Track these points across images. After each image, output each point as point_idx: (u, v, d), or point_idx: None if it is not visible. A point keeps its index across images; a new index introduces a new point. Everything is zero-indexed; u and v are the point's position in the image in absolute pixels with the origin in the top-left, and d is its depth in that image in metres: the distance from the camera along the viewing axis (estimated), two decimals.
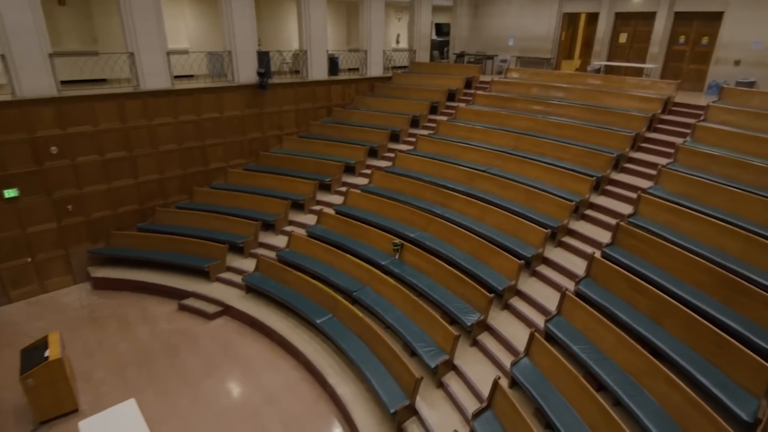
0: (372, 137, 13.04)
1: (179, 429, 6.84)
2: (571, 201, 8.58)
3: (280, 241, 10.73)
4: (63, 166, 9.86)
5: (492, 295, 7.31)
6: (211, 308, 9.49)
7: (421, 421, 6.43)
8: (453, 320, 7.57)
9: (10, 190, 9.30)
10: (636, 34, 14.32)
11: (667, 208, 7.69)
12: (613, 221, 8.11)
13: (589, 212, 8.88)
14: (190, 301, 9.71)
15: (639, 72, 13.85)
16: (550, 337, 6.68)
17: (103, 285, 10.43)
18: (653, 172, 8.91)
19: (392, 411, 6.28)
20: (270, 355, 8.40)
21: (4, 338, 8.77)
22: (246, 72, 12.21)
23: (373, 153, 12.82)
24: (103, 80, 11.26)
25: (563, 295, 6.90)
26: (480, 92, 13.56)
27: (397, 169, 11.56)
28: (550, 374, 6.07)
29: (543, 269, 8.09)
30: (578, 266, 7.76)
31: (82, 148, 10.03)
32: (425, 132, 12.93)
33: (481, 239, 8.52)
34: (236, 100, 12.23)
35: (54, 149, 9.63)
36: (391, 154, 12.36)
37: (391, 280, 8.39)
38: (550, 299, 7.37)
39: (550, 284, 7.81)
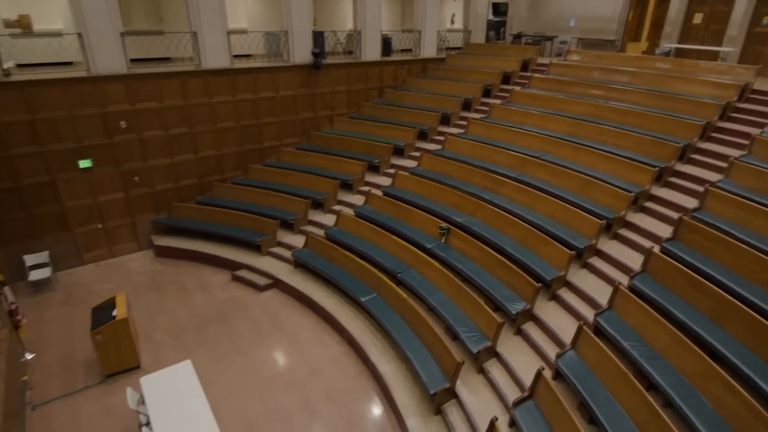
0: (422, 119, 12.93)
1: (229, 391, 7.27)
2: (630, 192, 8.18)
3: (329, 219, 10.97)
4: (130, 140, 10.50)
5: (539, 284, 7.18)
6: (262, 280, 9.91)
7: (461, 405, 6.49)
8: (497, 307, 7.51)
9: (84, 161, 10.04)
10: (713, 15, 13.20)
11: (737, 203, 7.18)
12: (675, 215, 7.68)
13: (649, 204, 8.44)
14: (242, 273, 10.18)
15: (714, 56, 12.82)
16: (598, 331, 6.49)
17: (164, 253, 11.13)
18: (723, 165, 8.31)
19: (432, 392, 6.38)
20: (315, 329, 8.70)
21: (77, 297, 9.60)
22: (301, 52, 12.38)
23: (422, 135, 12.72)
24: (168, 59, 11.78)
25: (616, 289, 6.66)
26: (537, 75, 13.05)
27: (447, 153, 11.44)
28: (597, 369, 5.92)
29: (595, 261, 7.82)
30: (634, 260, 7.44)
31: (148, 124, 10.62)
32: (477, 116, 12.66)
33: (530, 227, 8.33)
34: (291, 80, 12.46)
35: (123, 124, 10.26)
36: (441, 138, 12.23)
37: (436, 264, 8.41)
38: (601, 293, 7.13)
39: (602, 277, 7.55)
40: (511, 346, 7.04)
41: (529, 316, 7.32)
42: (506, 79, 13.73)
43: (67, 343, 8.24)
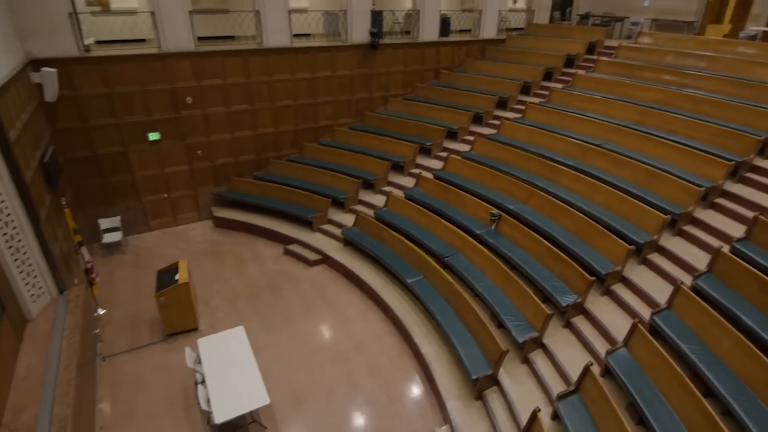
0: (478, 103, 12.64)
1: (277, 358, 7.64)
2: (700, 186, 7.65)
3: (379, 200, 11.07)
4: (195, 115, 11.01)
5: (593, 278, 6.93)
6: (312, 256, 10.23)
7: (502, 393, 6.47)
8: (546, 298, 7.35)
9: (153, 134, 10.66)
10: None
11: None
12: (750, 213, 7.11)
13: (721, 201, 7.86)
14: (293, 247, 10.55)
15: None
16: (654, 330, 6.21)
17: (222, 224, 11.72)
18: None
19: (474, 377, 6.40)
20: (361, 306, 8.91)
21: (144, 260, 10.34)
22: (359, 32, 12.38)
23: (477, 119, 12.45)
24: (232, 37, 12.15)
25: (677, 289, 6.31)
26: (603, 58, 12.34)
27: (502, 138, 11.15)
28: (650, 370, 5.69)
29: (656, 258, 7.43)
30: (699, 259, 7.00)
31: (212, 100, 11.08)
32: (536, 100, 12.20)
33: (586, 218, 8.02)
34: (348, 60, 12.51)
35: (189, 99, 10.76)
36: (497, 122, 11.92)
37: (485, 250, 8.31)
38: (659, 291, 6.79)
39: (661, 275, 7.17)
40: (558, 339, 6.89)
41: (580, 309, 7.12)
42: (570, 62, 13.09)
43: (134, 302, 8.94)
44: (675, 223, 7.64)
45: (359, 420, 6.65)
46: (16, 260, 6.60)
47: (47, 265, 7.10)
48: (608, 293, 7.28)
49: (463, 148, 11.72)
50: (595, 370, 5.90)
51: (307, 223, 10.96)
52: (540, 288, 7.42)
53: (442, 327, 7.39)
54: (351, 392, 7.06)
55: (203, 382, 6.40)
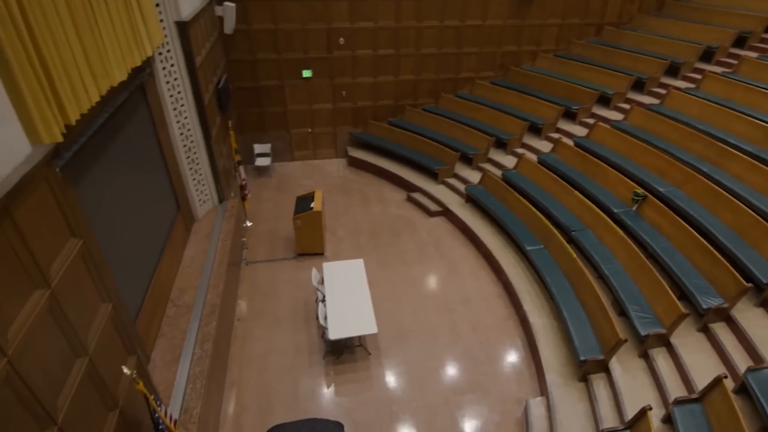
0: (643, 66, 11.13)
1: (388, 295, 8.17)
2: None
3: (509, 161, 10.70)
4: (345, 56, 11.52)
5: (749, 285, 6.03)
6: (433, 206, 10.44)
7: (610, 381, 6.16)
8: (683, 295, 6.62)
9: (307, 71, 11.48)
10: None
11: None
12: None
13: None
14: (416, 195, 10.85)
15: None
16: None
17: (355, 163, 12.45)
18: None
19: (582, 359, 6.17)
20: (474, 264, 8.97)
21: (286, 186, 11.56)
22: None
23: (638, 86, 11.04)
24: None
25: None
26: None
27: (665, 109, 9.79)
28: None
29: None
30: None
31: (362, 42, 11.45)
32: (718, 69, 10.34)
33: (756, 216, 6.84)
34: (501, 9, 11.80)
35: (342, 40, 11.26)
36: (662, 91, 10.44)
37: (620, 231, 7.66)
38: None
39: None
40: (688, 342, 6.24)
41: (723, 316, 6.29)
42: None
43: (274, 221, 10.15)
44: None
45: (455, 369, 6.93)
46: (191, 169, 7.86)
47: (213, 176, 8.34)
48: (765, 305, 6.29)
49: (615, 116, 10.58)
50: (729, 384, 5.28)
51: (432, 174, 11.10)
52: (678, 283, 6.68)
53: (555, 300, 7.16)
54: (451, 342, 7.33)
55: (323, 300, 7.18)
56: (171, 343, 5.86)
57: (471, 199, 10.13)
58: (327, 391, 6.57)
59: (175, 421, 4.44)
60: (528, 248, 8.22)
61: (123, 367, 3.71)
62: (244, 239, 9.33)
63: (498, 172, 10.36)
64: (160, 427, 4.02)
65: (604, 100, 11.07)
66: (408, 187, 11.21)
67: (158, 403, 4.08)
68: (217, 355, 6.16)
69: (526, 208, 8.92)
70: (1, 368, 2.55)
